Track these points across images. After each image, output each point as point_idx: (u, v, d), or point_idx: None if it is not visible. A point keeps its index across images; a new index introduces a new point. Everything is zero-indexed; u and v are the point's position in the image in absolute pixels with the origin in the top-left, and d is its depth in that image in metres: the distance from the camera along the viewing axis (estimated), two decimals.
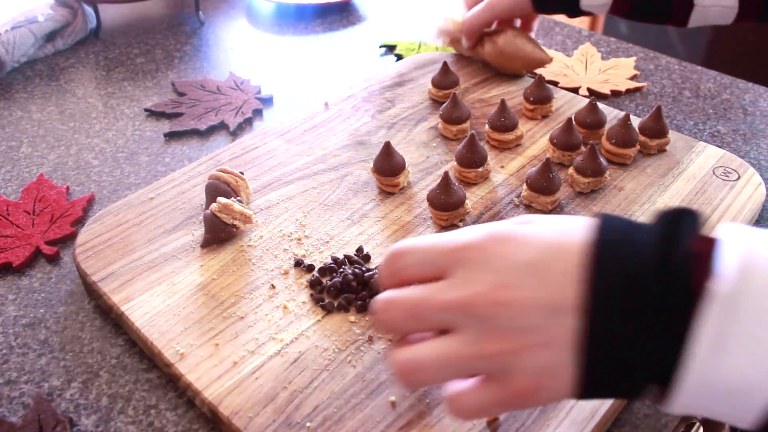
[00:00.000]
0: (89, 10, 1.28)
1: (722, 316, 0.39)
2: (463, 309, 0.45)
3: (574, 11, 0.98)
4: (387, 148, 0.80)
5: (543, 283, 0.44)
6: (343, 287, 0.68)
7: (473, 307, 0.45)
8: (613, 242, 0.43)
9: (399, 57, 1.18)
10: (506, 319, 0.44)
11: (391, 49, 1.21)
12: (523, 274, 0.45)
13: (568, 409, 0.58)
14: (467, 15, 1.03)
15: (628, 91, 1.08)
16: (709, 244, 0.42)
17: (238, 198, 0.77)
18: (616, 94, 1.08)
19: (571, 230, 0.45)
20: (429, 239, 0.50)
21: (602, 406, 0.58)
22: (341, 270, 0.71)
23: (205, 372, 0.62)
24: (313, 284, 0.70)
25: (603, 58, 1.17)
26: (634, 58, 1.17)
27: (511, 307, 0.44)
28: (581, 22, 2.75)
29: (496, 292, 0.45)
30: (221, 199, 0.74)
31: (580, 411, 0.58)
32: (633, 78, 1.12)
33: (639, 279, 0.41)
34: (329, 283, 0.69)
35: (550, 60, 1.03)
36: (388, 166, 0.80)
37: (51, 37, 1.22)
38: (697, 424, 0.67)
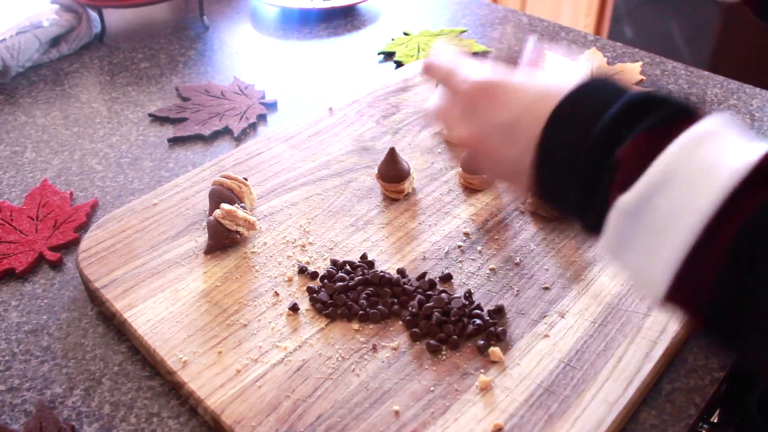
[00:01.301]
0: (94, 14, 1.28)
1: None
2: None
3: None
4: (392, 155, 0.80)
5: (512, 144, 0.50)
6: (334, 298, 0.68)
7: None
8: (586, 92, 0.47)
9: (398, 64, 1.17)
10: (482, 162, 0.55)
11: (389, 56, 1.21)
12: (499, 134, 0.51)
13: (573, 420, 0.58)
14: None
15: None
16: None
17: (242, 204, 0.76)
18: None
19: (551, 89, 0.48)
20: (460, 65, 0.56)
21: (608, 415, 0.58)
22: (339, 274, 0.70)
23: (208, 380, 0.61)
24: (311, 292, 0.69)
25: (609, 63, 1.17)
26: (640, 63, 1.16)
27: (488, 157, 0.53)
28: (586, 27, 2.75)
29: (477, 144, 0.54)
30: (225, 206, 0.73)
31: (585, 422, 0.57)
32: (639, 83, 1.11)
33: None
34: (322, 292, 0.69)
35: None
36: (393, 173, 0.80)
37: (56, 41, 1.22)
38: None
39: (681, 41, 2.55)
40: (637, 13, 2.62)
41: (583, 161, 0.45)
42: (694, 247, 0.38)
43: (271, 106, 1.07)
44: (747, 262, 0.37)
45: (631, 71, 1.14)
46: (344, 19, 1.34)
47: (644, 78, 1.12)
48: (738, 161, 0.38)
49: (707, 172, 0.39)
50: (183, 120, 1.03)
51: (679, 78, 1.13)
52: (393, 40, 1.24)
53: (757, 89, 1.10)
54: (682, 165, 0.40)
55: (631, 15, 2.68)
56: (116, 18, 1.35)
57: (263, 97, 1.08)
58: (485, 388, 0.60)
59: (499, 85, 0.52)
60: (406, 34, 1.27)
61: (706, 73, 1.15)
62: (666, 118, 0.42)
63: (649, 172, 0.40)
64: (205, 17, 1.33)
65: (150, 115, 1.05)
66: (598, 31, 2.78)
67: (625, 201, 0.41)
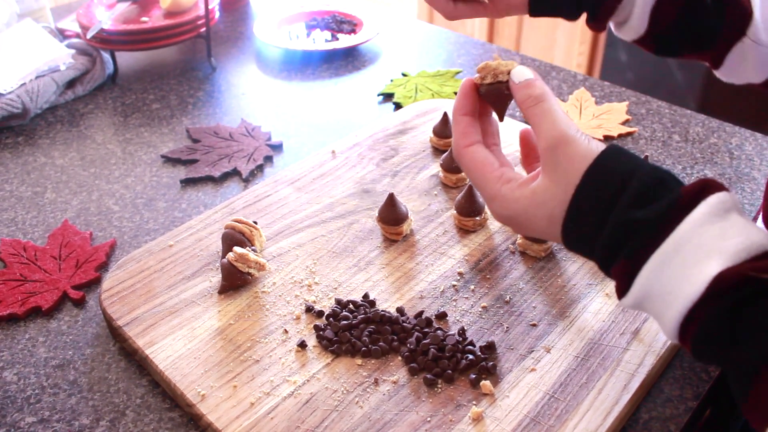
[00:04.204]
0: (107, 56, 1.35)
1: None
2: None
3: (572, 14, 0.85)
4: (391, 199, 0.86)
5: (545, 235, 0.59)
6: (339, 335, 0.74)
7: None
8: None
9: (397, 105, 1.24)
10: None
11: (388, 97, 1.27)
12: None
13: (579, 418, 0.64)
14: None
15: (620, 136, 1.14)
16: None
17: (253, 247, 0.83)
18: (608, 138, 1.13)
19: (555, 209, 0.56)
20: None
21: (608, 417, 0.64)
22: (343, 313, 0.76)
23: (225, 412, 0.67)
24: (317, 329, 0.75)
25: (597, 103, 1.23)
26: (627, 102, 1.23)
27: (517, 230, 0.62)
28: (581, 54, 2.82)
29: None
30: (237, 249, 0.80)
31: (590, 420, 0.63)
32: (625, 122, 1.17)
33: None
34: (327, 329, 0.75)
35: None
36: (392, 216, 0.86)
37: (71, 83, 1.28)
38: None
39: (674, 65, 2.62)
40: None
41: (596, 260, 0.56)
42: (677, 334, 0.51)
43: (277, 148, 1.13)
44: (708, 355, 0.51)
45: (618, 111, 1.20)
46: (345, 60, 1.41)
47: (630, 117, 1.18)
48: (687, 289, 0.49)
49: (671, 294, 0.50)
50: (194, 161, 1.09)
51: (663, 117, 1.19)
52: (392, 81, 1.31)
53: (737, 128, 1.16)
54: (653, 286, 0.51)
55: None
56: (127, 59, 1.42)
57: (269, 138, 1.15)
58: (477, 419, 0.66)
59: (516, 219, 0.59)
60: (404, 74, 1.34)
61: (689, 111, 1.21)
62: (645, 232, 0.51)
63: (632, 290, 0.52)
64: (212, 58, 1.39)
65: (162, 156, 1.12)
66: (593, 57, 2.85)
67: (624, 304, 0.54)
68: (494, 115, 0.64)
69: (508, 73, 0.59)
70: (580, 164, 0.54)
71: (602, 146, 0.55)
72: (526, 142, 0.66)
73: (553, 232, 0.57)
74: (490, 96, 0.61)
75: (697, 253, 0.49)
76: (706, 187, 0.51)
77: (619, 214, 0.51)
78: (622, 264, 0.52)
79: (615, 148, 0.55)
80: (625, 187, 0.52)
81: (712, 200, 0.50)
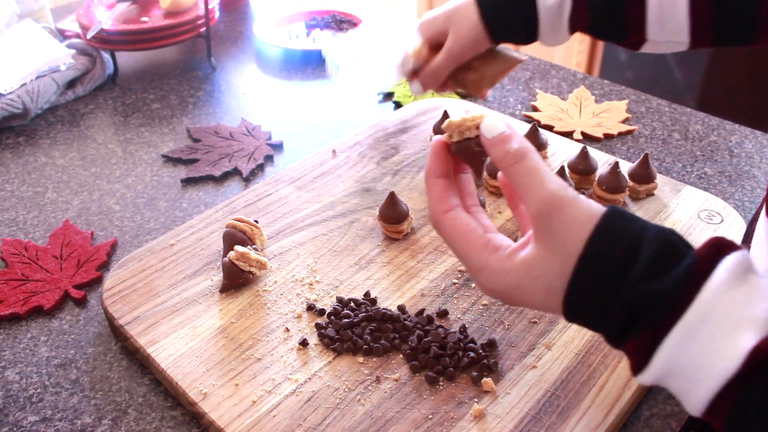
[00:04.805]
0: (107, 56, 1.35)
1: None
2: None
3: (531, 38, 0.91)
4: (391, 198, 0.86)
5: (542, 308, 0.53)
6: (340, 333, 0.75)
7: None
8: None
9: (397, 104, 1.24)
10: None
11: (388, 96, 1.27)
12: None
13: (581, 415, 0.64)
14: (429, 68, 0.97)
15: (620, 134, 1.14)
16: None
17: (254, 246, 0.83)
18: (608, 137, 1.14)
19: (553, 283, 0.51)
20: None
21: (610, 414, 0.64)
22: (344, 311, 0.77)
23: (227, 410, 0.67)
24: (319, 328, 0.76)
25: (597, 101, 1.23)
26: (626, 101, 1.23)
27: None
28: (580, 52, 2.82)
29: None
30: (238, 248, 0.80)
31: (592, 417, 0.64)
32: (625, 121, 1.18)
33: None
34: (329, 328, 0.75)
35: (523, 59, 0.97)
36: (393, 215, 0.86)
37: (71, 83, 1.29)
38: None
39: (674, 62, 2.62)
40: None
41: (604, 334, 0.51)
42: (705, 411, 0.46)
43: (278, 147, 1.13)
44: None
45: (618, 109, 1.20)
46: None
47: (630, 116, 1.18)
48: (720, 364, 0.45)
49: (701, 370, 0.46)
50: (195, 161, 1.09)
51: (663, 115, 1.19)
52: None
53: (737, 126, 1.16)
54: (678, 361, 0.46)
55: None
56: (127, 59, 1.42)
57: (270, 138, 1.15)
58: (478, 416, 0.66)
59: (509, 293, 0.53)
60: None
61: (689, 110, 1.21)
62: (662, 303, 0.47)
63: (652, 366, 0.47)
64: (212, 58, 1.39)
65: (163, 155, 1.12)
66: (592, 55, 2.85)
67: (643, 381, 0.49)
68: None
69: (477, 127, 0.53)
70: (580, 232, 0.49)
71: (600, 209, 0.50)
72: (508, 186, 0.61)
73: (551, 305, 0.51)
74: (462, 154, 0.56)
75: (725, 324, 0.45)
76: (721, 249, 0.47)
77: (632, 286, 0.47)
78: (639, 339, 0.48)
79: (615, 211, 0.50)
80: (635, 257, 0.47)
81: (730, 263, 0.46)
